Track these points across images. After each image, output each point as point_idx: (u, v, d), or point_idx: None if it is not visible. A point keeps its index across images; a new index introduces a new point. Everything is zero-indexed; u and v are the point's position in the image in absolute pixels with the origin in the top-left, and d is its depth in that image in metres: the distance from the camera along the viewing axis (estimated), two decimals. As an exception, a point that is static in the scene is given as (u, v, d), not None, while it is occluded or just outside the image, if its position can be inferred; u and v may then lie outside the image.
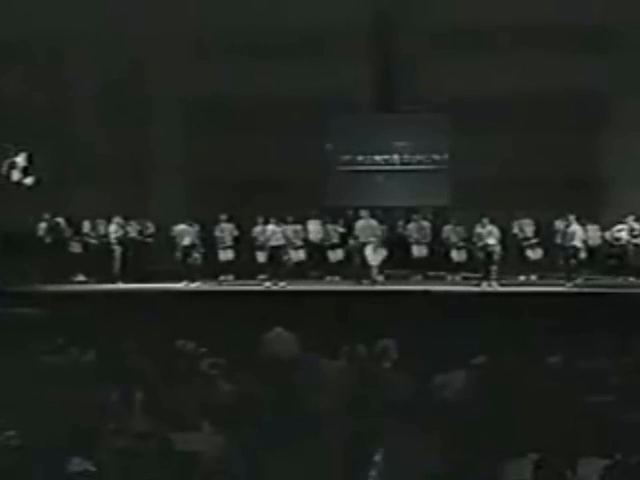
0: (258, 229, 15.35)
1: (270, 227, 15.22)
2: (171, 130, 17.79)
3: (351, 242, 15.54)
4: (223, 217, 15.65)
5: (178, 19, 17.32)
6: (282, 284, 14.72)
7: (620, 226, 15.47)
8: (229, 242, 15.57)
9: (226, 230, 15.67)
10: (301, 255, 15.84)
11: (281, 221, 15.43)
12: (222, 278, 15.53)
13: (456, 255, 15.49)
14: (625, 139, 16.43)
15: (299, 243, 15.83)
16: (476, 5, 16.49)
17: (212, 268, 15.53)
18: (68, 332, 8.29)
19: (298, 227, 15.98)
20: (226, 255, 15.59)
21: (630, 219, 15.38)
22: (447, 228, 15.68)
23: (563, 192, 15.96)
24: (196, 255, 15.12)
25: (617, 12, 16.24)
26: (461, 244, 15.45)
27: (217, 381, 6.74)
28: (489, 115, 16.04)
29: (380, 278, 14.97)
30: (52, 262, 15.35)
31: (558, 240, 14.91)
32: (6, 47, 16.38)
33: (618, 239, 15.52)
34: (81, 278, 15.53)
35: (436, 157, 17.84)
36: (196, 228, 15.29)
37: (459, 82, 16.34)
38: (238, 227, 15.65)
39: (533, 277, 15.50)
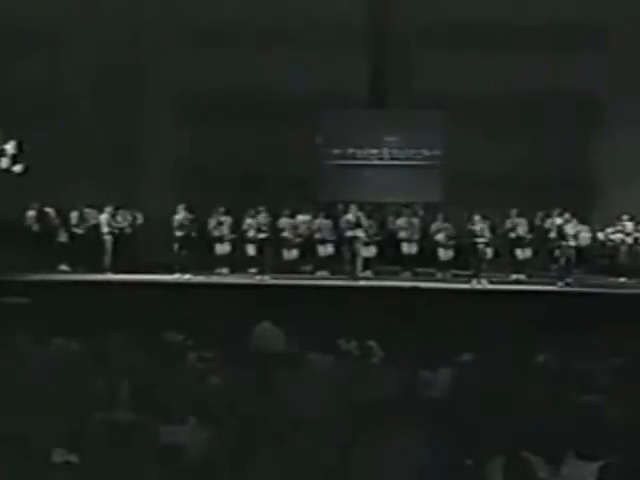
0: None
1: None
2: (163, 123, 17.68)
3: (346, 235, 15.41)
4: (219, 210, 15.64)
5: (173, 11, 17.25)
6: (267, 277, 14.68)
7: (615, 227, 15.50)
8: (222, 235, 15.55)
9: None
10: (294, 253, 15.75)
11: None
12: (216, 271, 15.49)
13: (443, 254, 15.44)
14: (619, 139, 16.42)
15: (291, 237, 15.73)
16: (470, 2, 16.48)
17: (206, 260, 15.51)
18: (55, 322, 8.25)
19: (291, 221, 15.92)
20: (222, 249, 15.57)
21: (624, 219, 15.39)
22: (435, 225, 15.64)
23: (556, 191, 15.93)
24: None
25: (617, 11, 16.25)
26: (450, 242, 15.39)
27: (205, 374, 6.70)
28: (482, 112, 16.00)
29: (366, 274, 14.91)
30: (39, 251, 15.24)
31: (551, 239, 14.90)
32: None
33: (612, 239, 15.53)
34: (65, 268, 15.35)
35: (428, 153, 17.78)
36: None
37: (452, 79, 16.31)
38: (235, 221, 15.63)
39: (523, 276, 15.47)
